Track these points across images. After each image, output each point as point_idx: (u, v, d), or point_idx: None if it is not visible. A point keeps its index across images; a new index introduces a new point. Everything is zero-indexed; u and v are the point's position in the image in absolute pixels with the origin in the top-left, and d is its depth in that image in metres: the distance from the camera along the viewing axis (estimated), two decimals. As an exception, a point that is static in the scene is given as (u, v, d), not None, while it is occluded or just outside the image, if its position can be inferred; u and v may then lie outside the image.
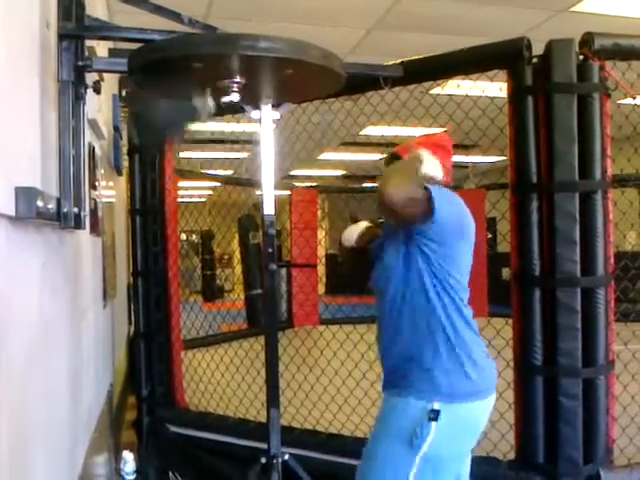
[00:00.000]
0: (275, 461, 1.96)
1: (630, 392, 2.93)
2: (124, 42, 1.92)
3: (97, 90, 2.07)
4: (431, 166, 1.90)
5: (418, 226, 1.78)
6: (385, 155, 2.05)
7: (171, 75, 1.73)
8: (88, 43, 2.00)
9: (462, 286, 1.88)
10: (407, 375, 1.84)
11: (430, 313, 1.83)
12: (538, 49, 2.57)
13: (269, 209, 1.98)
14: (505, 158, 2.72)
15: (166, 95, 2.00)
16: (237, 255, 9.38)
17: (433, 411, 1.75)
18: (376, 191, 1.76)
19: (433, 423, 1.74)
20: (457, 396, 1.79)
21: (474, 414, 1.83)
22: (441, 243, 1.80)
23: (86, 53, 1.88)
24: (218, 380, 4.01)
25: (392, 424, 1.84)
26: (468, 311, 1.88)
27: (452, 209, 1.81)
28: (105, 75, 2.90)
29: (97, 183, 2.93)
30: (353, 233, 2.12)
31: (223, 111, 2.54)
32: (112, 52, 2.04)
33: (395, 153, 1.98)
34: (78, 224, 1.78)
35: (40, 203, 1.28)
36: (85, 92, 1.88)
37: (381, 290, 1.95)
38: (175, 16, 1.90)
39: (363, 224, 2.14)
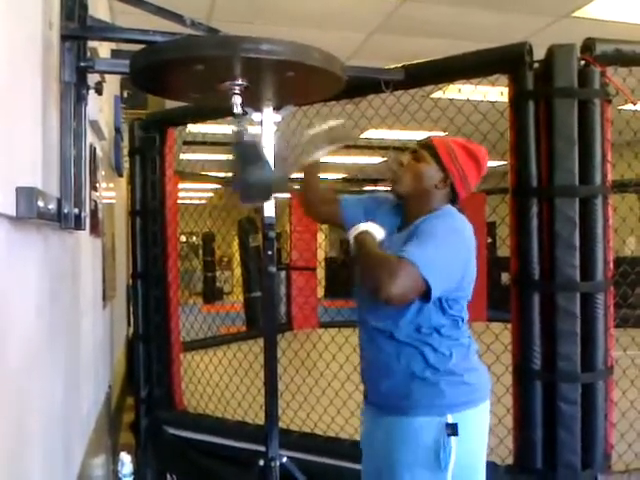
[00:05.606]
0: (273, 464, 1.95)
1: (629, 398, 2.93)
2: (126, 43, 1.92)
3: (99, 91, 2.08)
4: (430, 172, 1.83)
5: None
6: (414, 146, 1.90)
7: (173, 77, 1.74)
8: (90, 44, 2.00)
9: (464, 295, 1.82)
10: (410, 394, 1.76)
11: (431, 325, 1.76)
12: (540, 54, 2.57)
13: (269, 212, 1.98)
14: (505, 163, 2.72)
15: (167, 97, 2.00)
16: (237, 257, 9.39)
17: (449, 425, 1.69)
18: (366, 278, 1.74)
19: (453, 438, 1.68)
20: (465, 403, 1.76)
21: (483, 416, 1.83)
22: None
23: (88, 54, 1.89)
24: (217, 382, 4.01)
25: (410, 449, 1.74)
26: (465, 315, 1.84)
27: (448, 269, 1.70)
28: (107, 76, 2.90)
29: (98, 184, 2.93)
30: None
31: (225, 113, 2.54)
32: (114, 53, 2.05)
33: (430, 142, 1.87)
34: (78, 225, 1.78)
35: (41, 203, 1.28)
36: (87, 93, 1.89)
37: (372, 300, 1.74)
38: (177, 18, 1.90)
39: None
